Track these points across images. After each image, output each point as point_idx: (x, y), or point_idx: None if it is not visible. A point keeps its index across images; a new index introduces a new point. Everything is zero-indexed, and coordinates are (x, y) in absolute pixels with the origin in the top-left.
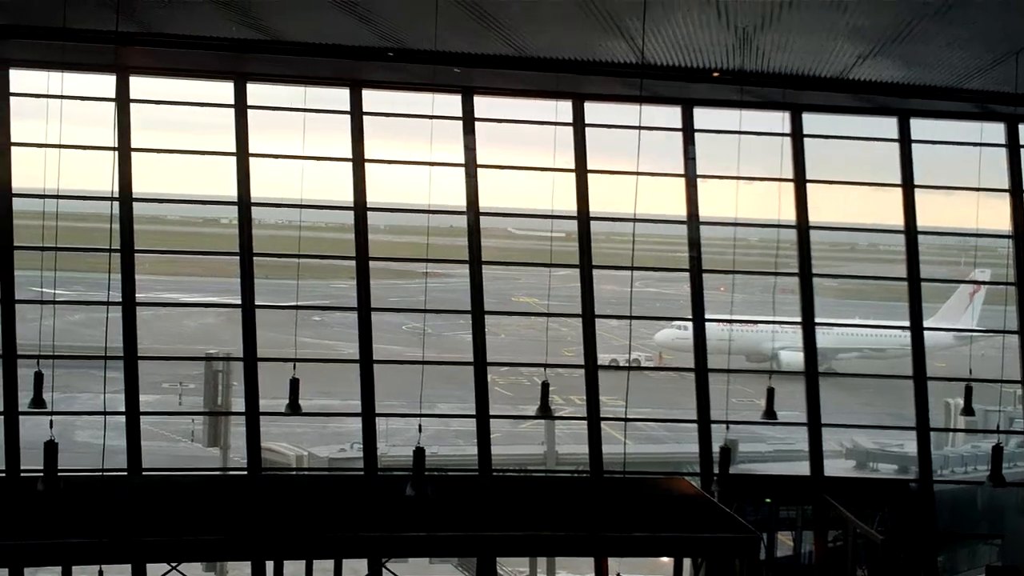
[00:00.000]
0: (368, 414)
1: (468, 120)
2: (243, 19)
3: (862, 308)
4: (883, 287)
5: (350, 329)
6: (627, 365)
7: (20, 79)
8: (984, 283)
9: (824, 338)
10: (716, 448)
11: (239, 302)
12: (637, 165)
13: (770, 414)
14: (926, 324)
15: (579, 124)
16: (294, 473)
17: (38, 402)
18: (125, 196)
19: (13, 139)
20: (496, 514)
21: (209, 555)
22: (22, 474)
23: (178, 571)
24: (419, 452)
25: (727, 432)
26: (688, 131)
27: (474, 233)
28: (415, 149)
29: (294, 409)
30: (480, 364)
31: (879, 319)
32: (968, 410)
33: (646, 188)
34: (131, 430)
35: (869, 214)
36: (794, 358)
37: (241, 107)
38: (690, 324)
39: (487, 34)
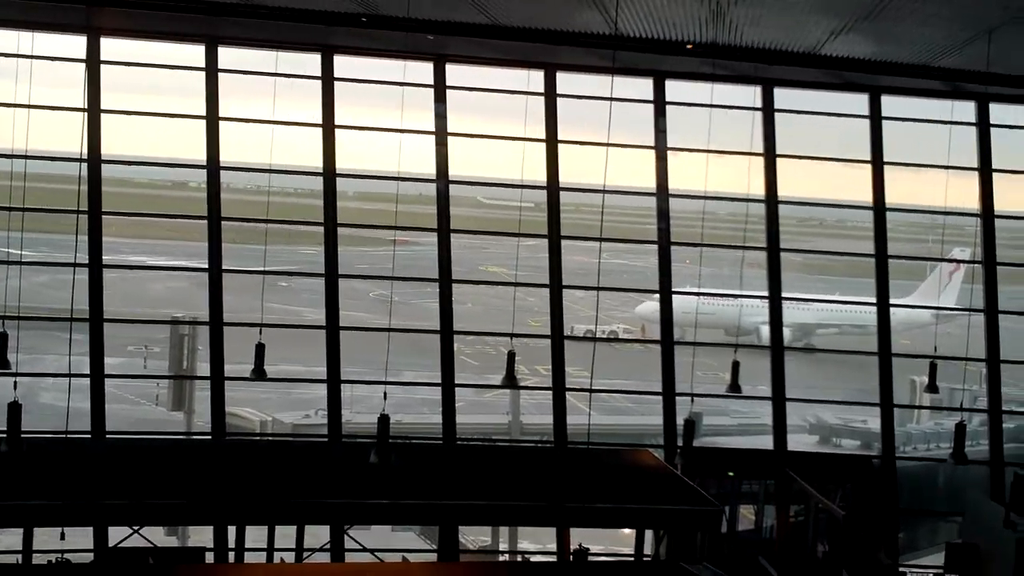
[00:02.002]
0: (333, 381)
1: (440, 88)
2: None
3: (830, 284)
4: (851, 263)
5: (317, 295)
6: (594, 336)
7: None
8: (962, 262)
9: (804, 313)
10: (681, 420)
11: (206, 266)
12: (608, 136)
13: (735, 387)
14: (906, 301)
15: (551, 94)
16: (258, 438)
17: (2, 363)
18: (94, 158)
19: None
20: (459, 483)
21: (171, 519)
22: None
23: (140, 534)
24: (383, 419)
25: (692, 405)
26: (659, 103)
27: (443, 201)
28: (386, 116)
29: (259, 374)
30: (446, 332)
31: (848, 295)
32: (932, 388)
33: (616, 160)
34: (95, 392)
35: (838, 190)
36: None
37: (212, 70)
38: (671, 297)
39: (460, 2)
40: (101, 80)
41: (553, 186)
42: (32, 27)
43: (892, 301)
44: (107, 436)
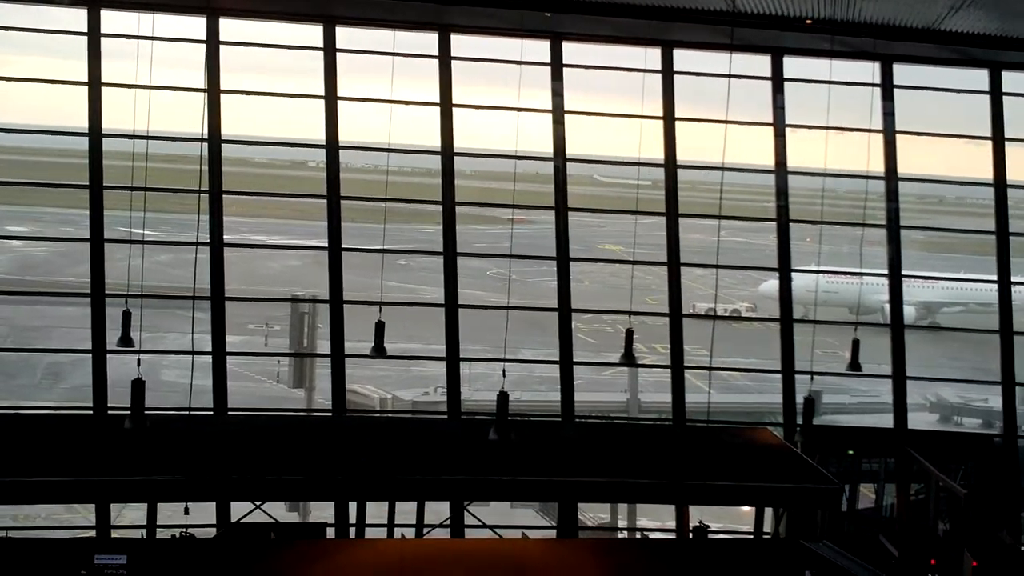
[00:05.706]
0: (452, 358)
1: (556, 66)
2: None
3: (954, 262)
4: (976, 241)
5: (435, 274)
6: (714, 314)
7: (111, 19)
8: None
9: (929, 291)
10: (800, 399)
11: (326, 245)
12: (726, 113)
13: (855, 366)
14: None
15: (668, 71)
16: (378, 415)
17: (126, 341)
18: (214, 138)
19: (104, 79)
20: (578, 460)
21: (293, 495)
22: (109, 412)
23: (262, 510)
24: (503, 396)
25: (811, 383)
26: (777, 80)
27: (560, 179)
28: (503, 95)
29: (379, 352)
30: (564, 310)
31: (973, 273)
32: None
33: (734, 137)
34: (217, 370)
35: (959, 167)
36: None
37: (330, 50)
38: (795, 275)
39: None
40: (220, 60)
41: (670, 164)
42: (152, 8)
43: (1015, 279)
44: (229, 413)
